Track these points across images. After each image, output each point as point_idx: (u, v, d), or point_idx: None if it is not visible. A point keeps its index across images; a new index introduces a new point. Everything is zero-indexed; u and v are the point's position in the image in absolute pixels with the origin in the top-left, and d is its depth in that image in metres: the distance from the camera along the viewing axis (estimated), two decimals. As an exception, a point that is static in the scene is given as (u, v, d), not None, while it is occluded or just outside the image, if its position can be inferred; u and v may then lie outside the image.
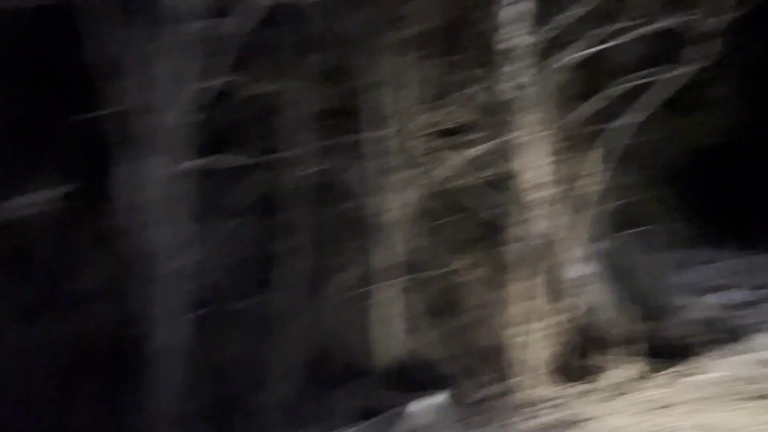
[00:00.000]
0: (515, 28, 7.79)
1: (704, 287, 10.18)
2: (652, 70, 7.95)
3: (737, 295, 9.07)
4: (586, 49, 7.72)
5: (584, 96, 8.53)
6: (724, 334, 5.56)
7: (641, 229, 9.20)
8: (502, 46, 7.81)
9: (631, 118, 8.30)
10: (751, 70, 10.52)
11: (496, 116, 8.23)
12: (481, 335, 7.05)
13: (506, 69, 7.91)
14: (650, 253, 10.23)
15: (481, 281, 7.73)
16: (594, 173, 8.36)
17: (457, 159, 8.06)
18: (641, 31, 7.60)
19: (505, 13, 7.73)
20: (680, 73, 8.03)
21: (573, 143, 8.47)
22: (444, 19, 8.14)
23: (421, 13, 7.69)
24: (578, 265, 7.92)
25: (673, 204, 10.90)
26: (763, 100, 10.96)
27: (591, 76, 8.74)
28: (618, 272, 8.44)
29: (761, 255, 12.23)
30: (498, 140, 7.96)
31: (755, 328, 5.50)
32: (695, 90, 9.46)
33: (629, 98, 8.72)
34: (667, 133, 9.62)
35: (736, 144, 11.47)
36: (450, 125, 8.33)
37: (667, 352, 5.54)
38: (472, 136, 8.28)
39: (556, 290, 7.86)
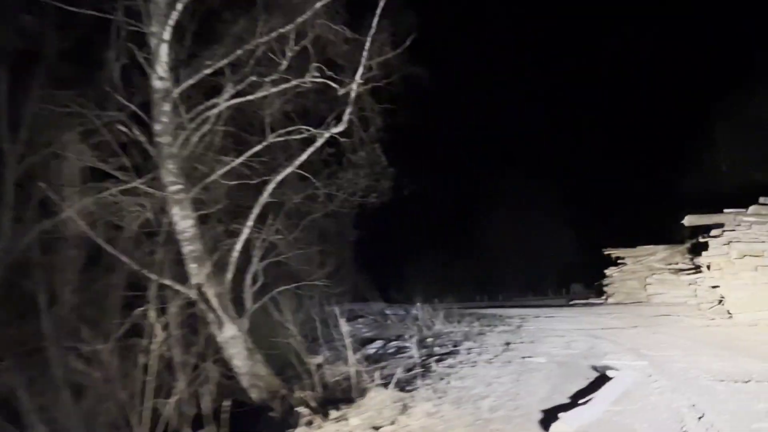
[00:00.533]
0: (156, 71, 7.07)
1: (349, 341, 10.39)
2: (297, 128, 7.87)
3: (377, 347, 9.38)
4: (228, 100, 7.30)
5: (233, 150, 8.17)
6: (351, 393, 5.38)
7: (295, 285, 8.99)
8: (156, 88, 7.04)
9: (281, 174, 8.08)
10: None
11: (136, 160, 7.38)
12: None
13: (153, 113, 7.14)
14: (304, 309, 10.15)
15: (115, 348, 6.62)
16: (245, 230, 7.90)
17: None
18: (285, 87, 7.44)
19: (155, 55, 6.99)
20: (325, 132, 8.08)
21: (220, 197, 7.98)
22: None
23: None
24: (225, 326, 7.26)
25: (328, 260, 11.11)
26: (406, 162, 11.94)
27: (240, 130, 8.45)
28: (266, 329, 8.04)
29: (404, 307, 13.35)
30: (133, 185, 7.06)
31: (380, 382, 5.38)
32: (345, 151, 9.83)
33: (280, 154, 8.62)
34: (316, 192, 9.77)
35: (386, 204, 12.20)
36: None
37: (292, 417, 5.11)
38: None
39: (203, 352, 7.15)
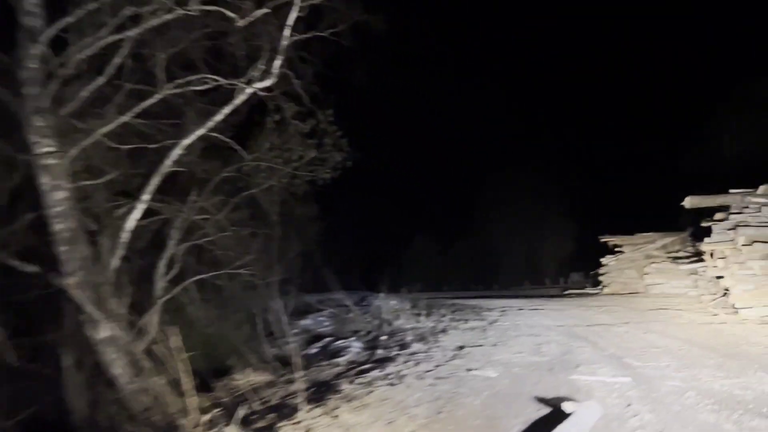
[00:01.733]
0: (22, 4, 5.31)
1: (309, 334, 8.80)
2: (201, 77, 6.08)
3: (320, 346, 7.76)
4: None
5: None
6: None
7: (215, 273, 7.28)
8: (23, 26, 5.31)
9: (189, 138, 6.31)
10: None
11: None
12: None
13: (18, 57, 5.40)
14: (239, 302, 8.48)
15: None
16: (138, 205, 6.15)
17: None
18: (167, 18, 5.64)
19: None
20: (247, 87, 6.31)
21: (109, 165, 6.25)
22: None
23: None
24: (100, 325, 5.53)
25: (276, 246, 9.38)
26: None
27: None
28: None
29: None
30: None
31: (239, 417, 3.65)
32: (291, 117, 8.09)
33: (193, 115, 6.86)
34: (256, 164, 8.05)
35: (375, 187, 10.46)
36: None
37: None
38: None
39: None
